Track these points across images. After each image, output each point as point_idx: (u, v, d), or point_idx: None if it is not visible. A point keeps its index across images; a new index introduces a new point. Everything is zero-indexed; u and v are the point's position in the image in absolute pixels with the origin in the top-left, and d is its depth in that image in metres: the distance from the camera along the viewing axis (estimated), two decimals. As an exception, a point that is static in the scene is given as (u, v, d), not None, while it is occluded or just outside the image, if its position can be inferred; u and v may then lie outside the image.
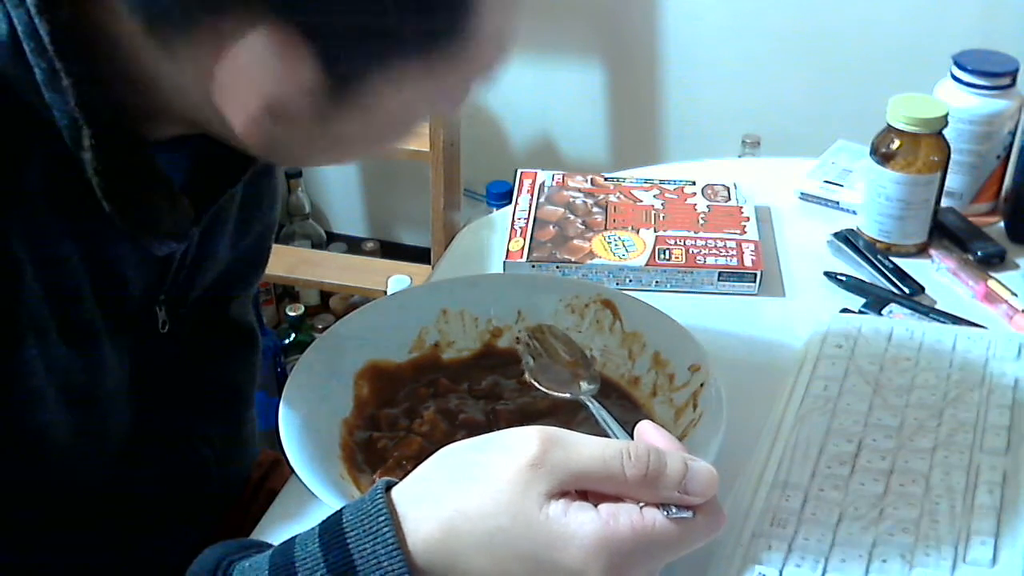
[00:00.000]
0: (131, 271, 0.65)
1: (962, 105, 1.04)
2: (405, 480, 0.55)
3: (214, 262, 0.75)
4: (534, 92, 2.19)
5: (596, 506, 0.52)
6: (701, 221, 1.03)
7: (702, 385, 0.75)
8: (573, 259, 0.98)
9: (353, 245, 2.45)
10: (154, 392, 0.71)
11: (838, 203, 1.11)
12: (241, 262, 0.80)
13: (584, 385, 0.74)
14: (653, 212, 1.04)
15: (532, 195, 1.08)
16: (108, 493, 0.69)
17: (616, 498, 0.53)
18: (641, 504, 0.53)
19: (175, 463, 0.78)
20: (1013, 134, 1.06)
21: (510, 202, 1.08)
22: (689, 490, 0.53)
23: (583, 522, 0.51)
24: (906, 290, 0.97)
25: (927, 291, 0.98)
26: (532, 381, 0.75)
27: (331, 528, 0.53)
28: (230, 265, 0.78)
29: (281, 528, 0.73)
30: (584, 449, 0.53)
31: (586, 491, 0.54)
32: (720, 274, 0.97)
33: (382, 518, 0.52)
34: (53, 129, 0.55)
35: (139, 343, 0.69)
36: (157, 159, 0.60)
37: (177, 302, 0.72)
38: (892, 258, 1.01)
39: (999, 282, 0.97)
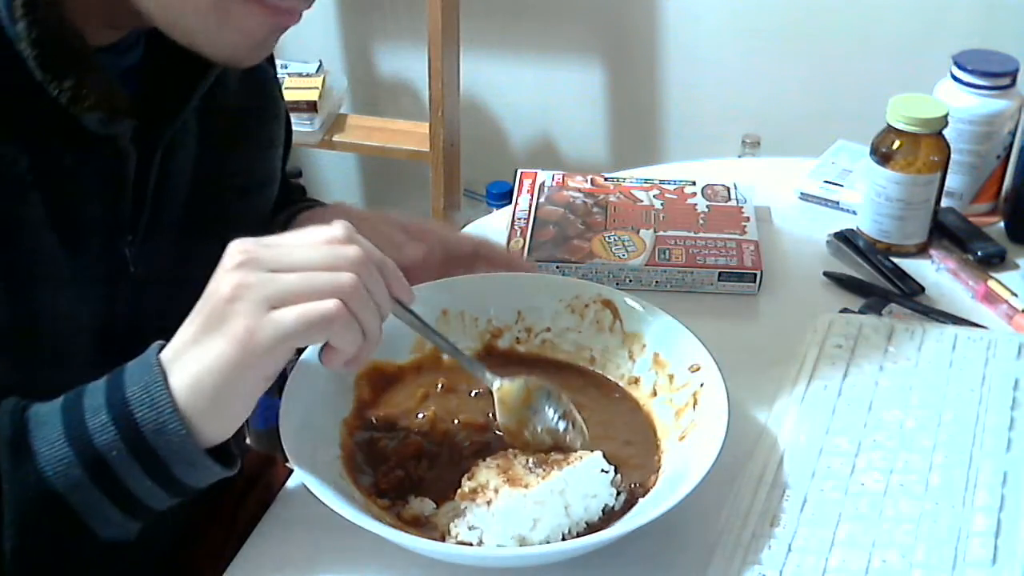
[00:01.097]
0: (87, 195, 0.67)
1: (962, 105, 1.04)
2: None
3: (178, 204, 0.77)
4: (534, 92, 2.19)
5: None
6: (701, 221, 1.03)
7: (702, 385, 0.75)
8: (573, 259, 0.98)
9: (353, 245, 2.45)
10: (131, 346, 0.73)
11: (838, 203, 1.11)
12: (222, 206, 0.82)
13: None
14: (653, 212, 1.04)
15: (532, 195, 1.08)
16: None
17: None
18: None
19: None
20: (1013, 134, 1.06)
21: (510, 202, 1.07)
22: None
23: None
24: (906, 290, 0.97)
25: (927, 291, 0.98)
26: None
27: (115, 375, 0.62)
28: (207, 209, 0.80)
29: (281, 528, 0.73)
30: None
31: None
32: (720, 274, 0.97)
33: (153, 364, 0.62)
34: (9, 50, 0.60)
35: (110, 289, 0.71)
36: (103, 67, 0.65)
37: (147, 244, 0.73)
38: (892, 258, 1.01)
39: (999, 282, 0.97)
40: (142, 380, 0.60)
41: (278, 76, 0.92)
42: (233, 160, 0.82)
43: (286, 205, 0.91)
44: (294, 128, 1.91)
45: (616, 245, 0.99)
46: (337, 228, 0.64)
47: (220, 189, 0.80)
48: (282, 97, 0.90)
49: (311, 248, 0.63)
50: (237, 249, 0.62)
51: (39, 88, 0.62)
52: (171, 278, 0.77)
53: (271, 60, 0.89)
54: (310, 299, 0.60)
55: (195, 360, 0.60)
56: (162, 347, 0.62)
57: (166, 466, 0.60)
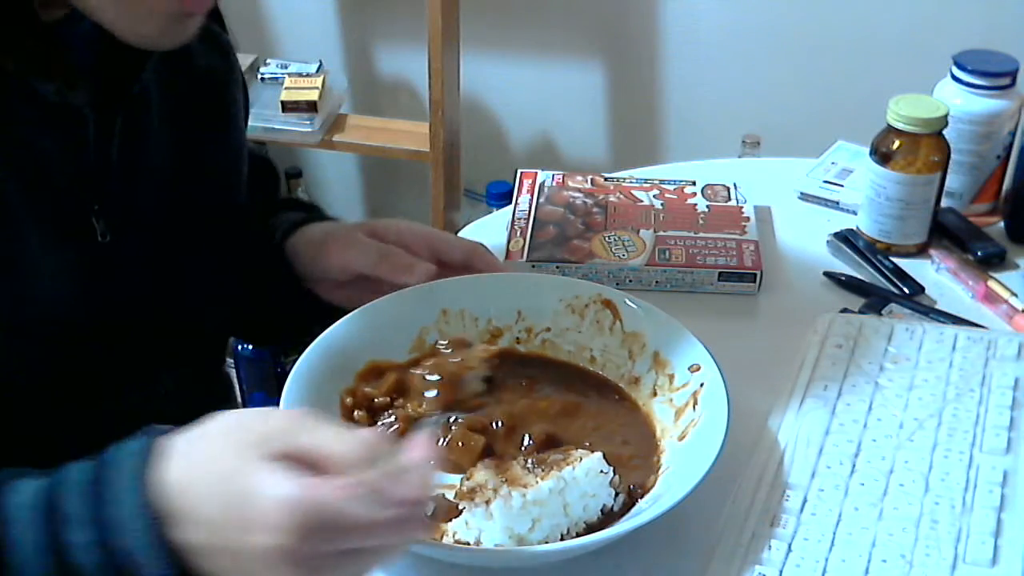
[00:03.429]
0: (47, 156, 0.69)
1: (962, 105, 1.04)
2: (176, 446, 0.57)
3: (148, 172, 0.77)
4: (534, 92, 2.19)
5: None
6: (701, 221, 1.03)
7: (702, 385, 0.75)
8: (573, 259, 0.98)
9: (353, 245, 2.45)
10: (108, 318, 0.72)
11: (838, 203, 1.11)
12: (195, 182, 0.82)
13: None
14: (653, 212, 1.04)
15: (532, 195, 1.08)
16: (49, 435, 0.69)
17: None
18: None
19: (130, 396, 0.78)
20: (1013, 134, 1.06)
21: (510, 202, 1.07)
22: (392, 485, 0.54)
23: (283, 479, 0.53)
24: (906, 290, 0.97)
25: (927, 291, 0.98)
26: None
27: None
28: (182, 187, 0.80)
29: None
30: (317, 429, 0.56)
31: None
32: (720, 274, 0.97)
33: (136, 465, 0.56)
34: None
35: (80, 256, 0.72)
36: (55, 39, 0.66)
37: (116, 212, 0.74)
38: (892, 258, 1.01)
39: (999, 282, 0.97)
40: (138, 524, 0.55)
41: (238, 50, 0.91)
42: (201, 124, 0.82)
43: (270, 201, 0.91)
44: (294, 128, 1.89)
45: (616, 245, 0.99)
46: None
47: (195, 167, 0.81)
48: (238, 64, 0.90)
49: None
50: (293, 543, 0.52)
51: None
52: (153, 264, 0.78)
53: (223, 26, 0.88)
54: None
55: None
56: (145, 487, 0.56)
57: None
